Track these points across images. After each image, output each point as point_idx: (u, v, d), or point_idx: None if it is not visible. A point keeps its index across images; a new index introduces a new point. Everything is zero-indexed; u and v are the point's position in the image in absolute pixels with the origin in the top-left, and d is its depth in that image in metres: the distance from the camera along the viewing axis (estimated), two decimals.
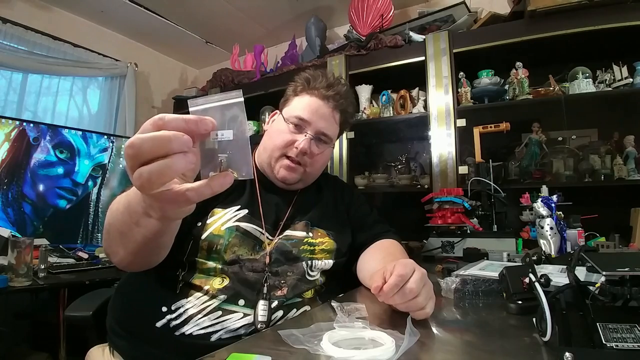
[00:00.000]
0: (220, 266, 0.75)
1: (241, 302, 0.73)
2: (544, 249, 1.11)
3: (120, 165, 2.29)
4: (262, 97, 2.39)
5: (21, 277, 1.33)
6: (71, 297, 1.36)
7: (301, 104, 0.89)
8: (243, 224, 0.80)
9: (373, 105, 2.10)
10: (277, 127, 0.91)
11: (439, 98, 1.80)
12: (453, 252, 1.27)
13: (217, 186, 0.38)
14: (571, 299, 0.51)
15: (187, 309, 0.71)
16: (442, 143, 1.77)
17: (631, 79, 1.51)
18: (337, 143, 1.33)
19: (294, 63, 2.44)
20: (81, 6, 2.41)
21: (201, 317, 0.70)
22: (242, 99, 0.39)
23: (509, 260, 1.10)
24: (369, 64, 2.03)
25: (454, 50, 1.78)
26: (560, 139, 1.75)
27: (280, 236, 0.84)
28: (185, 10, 2.50)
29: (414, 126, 2.01)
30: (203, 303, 0.72)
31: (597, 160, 1.57)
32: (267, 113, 2.43)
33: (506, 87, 1.76)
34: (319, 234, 0.88)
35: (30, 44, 2.24)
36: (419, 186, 1.94)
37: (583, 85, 1.56)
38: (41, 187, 1.96)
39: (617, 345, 0.41)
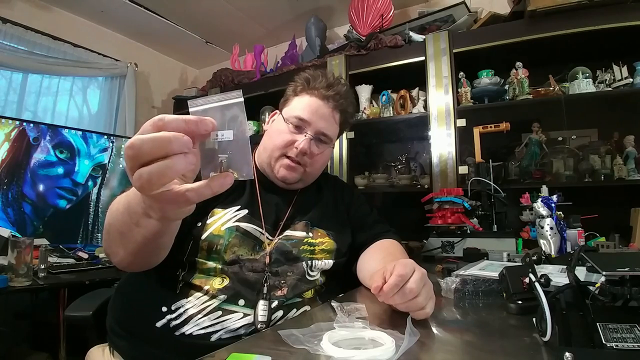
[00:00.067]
0: (220, 266, 0.75)
1: (241, 302, 0.73)
2: (544, 249, 1.11)
3: (120, 165, 2.29)
4: (262, 97, 2.39)
5: (21, 277, 1.33)
6: (71, 297, 1.36)
7: (301, 104, 0.89)
8: (243, 224, 0.80)
9: (373, 105, 2.10)
10: (277, 127, 0.91)
11: (439, 98, 1.80)
12: (453, 252, 1.27)
13: (217, 187, 0.38)
14: (571, 299, 0.51)
15: (187, 309, 0.71)
16: (442, 143, 1.77)
17: (631, 79, 1.51)
18: (337, 143, 1.33)
19: (294, 63, 2.44)
20: (81, 6, 2.41)
21: (201, 317, 0.70)
22: (242, 99, 0.39)
23: (509, 260, 1.10)
24: (369, 64, 2.03)
25: (454, 50, 1.78)
26: (560, 139, 1.75)
27: (280, 236, 0.84)
28: (185, 10, 2.50)
29: (414, 126, 2.01)
30: (203, 303, 0.72)
31: (597, 160, 1.57)
32: (267, 113, 2.43)
33: (506, 87, 1.76)
34: (319, 234, 0.88)
35: (30, 44, 2.24)
36: (419, 186, 1.94)
37: (583, 85, 1.56)
38: (41, 187, 1.96)
39: (617, 345, 0.41)
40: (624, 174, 1.50)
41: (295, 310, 0.78)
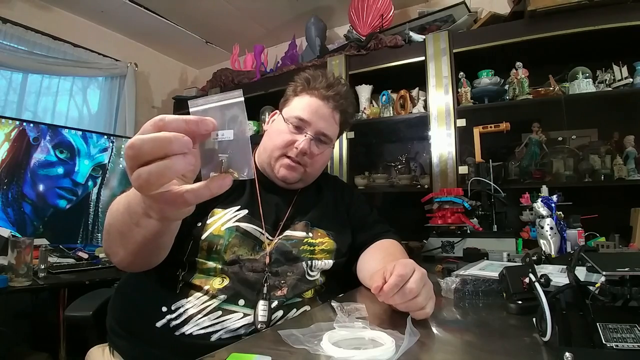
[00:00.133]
0: (220, 266, 0.75)
1: (241, 302, 0.73)
2: (544, 249, 1.11)
3: (120, 165, 2.29)
4: (262, 97, 2.39)
5: (21, 277, 1.33)
6: (71, 297, 1.36)
7: (301, 104, 0.89)
8: (243, 224, 0.80)
9: (373, 105, 2.10)
10: (277, 128, 0.91)
11: (439, 98, 1.80)
12: (453, 252, 1.27)
13: (216, 188, 0.38)
14: (571, 299, 0.51)
15: (187, 309, 0.71)
16: (442, 143, 1.77)
17: (631, 79, 1.51)
18: (337, 143, 1.33)
19: (294, 63, 2.44)
20: (81, 6, 2.41)
21: (201, 317, 0.70)
22: (242, 99, 0.39)
23: (509, 260, 1.10)
24: (369, 64, 2.03)
25: (454, 50, 1.78)
26: (560, 139, 1.75)
27: (280, 236, 0.84)
28: (185, 10, 2.50)
29: (414, 126, 2.01)
30: (203, 303, 0.72)
31: (597, 160, 1.57)
32: (267, 113, 2.43)
33: (506, 87, 1.76)
34: (319, 234, 0.88)
35: (30, 44, 2.24)
36: (419, 186, 1.94)
37: (583, 85, 1.56)
38: (41, 187, 1.96)
39: (617, 345, 0.41)
40: (624, 174, 1.50)
41: (295, 310, 0.78)
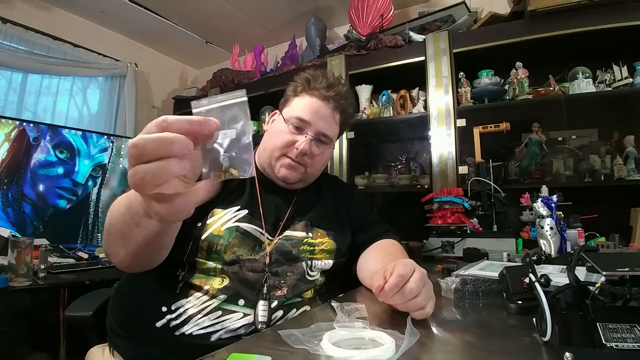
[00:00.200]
0: (220, 266, 0.75)
1: (241, 302, 0.73)
2: (544, 249, 1.11)
3: (120, 165, 2.29)
4: (262, 97, 2.39)
5: (21, 277, 1.33)
6: (71, 297, 1.36)
7: (301, 105, 0.89)
8: (243, 224, 0.80)
9: (373, 105, 2.10)
10: (277, 128, 0.91)
11: (439, 98, 1.80)
12: (453, 252, 1.27)
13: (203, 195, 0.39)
14: (571, 299, 0.51)
15: (187, 309, 0.71)
16: (442, 143, 1.77)
17: (631, 79, 1.51)
18: (337, 143, 1.32)
19: (294, 63, 2.44)
20: (81, 6, 2.41)
21: (201, 317, 0.70)
22: (245, 99, 0.39)
23: (509, 260, 1.10)
24: (369, 64, 2.03)
25: (454, 50, 1.78)
26: (560, 139, 1.75)
27: (280, 236, 0.84)
28: (185, 10, 2.50)
29: (414, 126, 2.01)
30: (203, 303, 0.72)
31: (597, 160, 1.57)
32: (267, 113, 2.43)
33: (506, 87, 1.76)
34: (319, 234, 0.88)
35: (30, 44, 2.24)
36: (419, 186, 1.94)
37: (583, 85, 1.56)
38: (41, 187, 1.96)
39: (617, 345, 0.41)
40: (624, 174, 1.50)
41: (295, 310, 0.78)
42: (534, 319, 0.51)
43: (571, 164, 1.64)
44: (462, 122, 1.74)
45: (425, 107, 1.89)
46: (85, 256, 1.81)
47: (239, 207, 0.82)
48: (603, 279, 0.50)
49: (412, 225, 1.47)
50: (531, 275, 0.58)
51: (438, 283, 0.75)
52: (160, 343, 0.70)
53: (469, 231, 1.31)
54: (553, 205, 1.15)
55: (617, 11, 1.46)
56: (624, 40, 1.54)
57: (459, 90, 1.79)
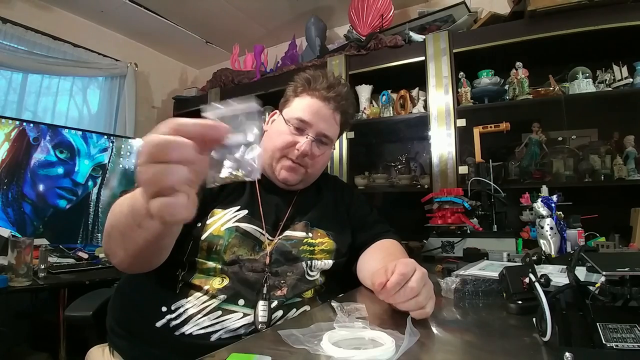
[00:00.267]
0: (220, 266, 0.75)
1: (241, 302, 0.73)
2: (544, 249, 1.11)
3: (120, 165, 2.29)
4: (262, 97, 2.38)
5: (21, 277, 1.33)
6: (71, 297, 1.36)
7: (302, 105, 0.89)
8: (243, 225, 0.80)
9: (373, 105, 2.10)
10: (277, 129, 0.91)
11: (439, 98, 1.80)
12: (453, 252, 1.27)
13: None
14: (571, 299, 0.51)
15: (187, 309, 0.71)
16: (442, 143, 1.77)
17: (631, 79, 1.51)
18: (337, 143, 1.32)
19: (294, 63, 2.44)
20: (81, 6, 2.41)
21: (201, 317, 0.70)
22: (257, 106, 0.41)
23: (509, 260, 1.10)
24: (369, 64, 2.03)
25: (454, 50, 1.78)
26: (560, 139, 1.75)
27: (280, 236, 0.84)
28: (185, 10, 2.50)
29: (414, 126, 2.01)
30: (203, 303, 0.72)
31: (597, 160, 1.57)
32: (267, 113, 2.42)
33: (506, 87, 1.76)
34: (319, 234, 0.88)
35: (30, 44, 2.24)
36: (419, 186, 1.94)
37: (583, 85, 1.56)
38: (41, 187, 1.96)
39: (617, 345, 0.41)
40: (624, 174, 1.50)
41: (295, 310, 0.78)
42: (534, 319, 0.51)
43: (571, 164, 1.64)
44: (462, 122, 1.74)
45: (425, 107, 1.89)
46: (85, 256, 1.81)
47: (238, 207, 0.82)
48: (603, 279, 0.50)
49: (412, 225, 1.47)
50: (531, 275, 0.58)
51: (438, 283, 0.75)
52: (160, 343, 0.70)
53: (469, 231, 1.31)
54: (553, 205, 1.15)
55: (617, 11, 1.46)
56: (624, 40, 1.54)
57: (459, 90, 1.79)
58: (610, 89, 1.55)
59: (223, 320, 0.71)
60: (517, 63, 1.68)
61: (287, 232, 0.85)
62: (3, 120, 1.87)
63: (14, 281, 1.32)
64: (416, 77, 1.90)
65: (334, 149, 0.98)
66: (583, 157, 1.62)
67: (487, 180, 1.44)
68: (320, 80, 0.90)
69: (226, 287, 0.74)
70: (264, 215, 0.84)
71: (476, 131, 1.55)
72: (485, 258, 1.12)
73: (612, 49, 1.60)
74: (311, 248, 0.85)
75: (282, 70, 2.40)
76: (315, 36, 2.40)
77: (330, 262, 0.87)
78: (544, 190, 1.24)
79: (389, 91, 2.04)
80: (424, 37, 1.88)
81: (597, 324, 0.44)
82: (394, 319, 0.60)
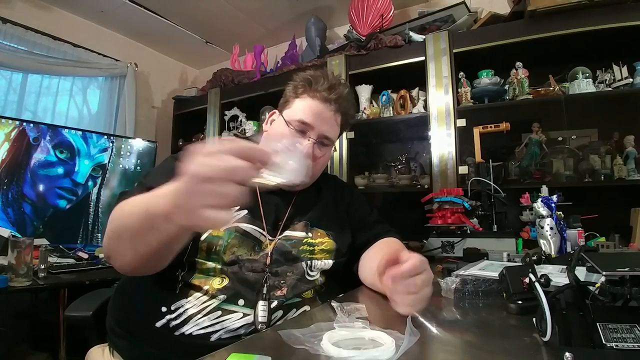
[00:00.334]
0: (219, 266, 0.75)
1: (241, 302, 0.73)
2: (544, 249, 1.11)
3: (120, 165, 2.29)
4: (262, 97, 2.39)
5: (21, 277, 1.33)
6: (71, 297, 1.36)
7: (302, 107, 0.88)
8: (243, 225, 0.80)
9: (373, 105, 2.10)
10: (278, 130, 0.90)
11: (439, 98, 1.80)
12: (453, 252, 1.27)
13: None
14: (571, 299, 0.51)
15: (187, 309, 0.71)
16: (442, 143, 1.77)
17: (631, 79, 1.51)
18: (337, 143, 1.33)
19: (294, 63, 2.44)
20: (81, 6, 2.41)
21: (201, 317, 0.70)
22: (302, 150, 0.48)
23: (509, 260, 1.10)
24: (369, 64, 2.03)
25: (454, 50, 1.78)
26: (560, 139, 1.75)
27: (280, 236, 0.84)
28: (185, 10, 2.50)
29: (414, 126, 2.01)
30: (203, 303, 0.72)
31: (597, 160, 1.57)
32: (266, 113, 2.42)
33: (506, 87, 1.76)
34: (319, 234, 0.88)
35: (30, 44, 2.24)
36: (419, 186, 1.94)
37: (583, 85, 1.56)
38: (41, 187, 1.96)
39: (617, 345, 0.41)
40: (624, 174, 1.50)
41: (294, 310, 0.78)
42: (534, 319, 0.51)
43: (571, 164, 1.64)
44: (462, 122, 1.74)
45: (425, 107, 1.89)
46: (85, 256, 1.81)
47: (238, 207, 0.82)
48: (603, 279, 0.50)
49: (412, 225, 1.47)
50: (531, 275, 0.58)
51: (438, 283, 0.75)
52: (160, 343, 0.70)
53: (469, 231, 1.31)
54: (553, 205, 1.15)
55: (617, 11, 1.46)
56: (624, 40, 1.54)
57: (459, 90, 1.79)
58: (610, 89, 1.55)
59: (223, 321, 0.71)
60: (517, 63, 1.68)
61: (287, 232, 0.85)
62: (3, 120, 1.87)
63: (14, 281, 1.32)
64: (416, 77, 1.90)
65: (335, 150, 0.98)
66: (583, 157, 1.62)
67: (487, 180, 1.45)
68: (322, 82, 0.89)
69: (226, 287, 0.74)
70: (264, 215, 0.84)
71: (476, 131, 1.55)
72: (485, 258, 1.12)
73: (612, 49, 1.60)
74: (311, 248, 0.85)
75: (282, 70, 2.40)
76: (315, 36, 2.40)
77: (330, 262, 0.87)
78: (544, 190, 1.24)
79: (389, 91, 2.04)
80: (424, 37, 1.88)
81: (597, 324, 0.44)
82: (394, 319, 0.60)
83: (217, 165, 0.41)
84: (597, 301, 0.49)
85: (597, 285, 0.50)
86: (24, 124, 1.93)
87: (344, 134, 1.96)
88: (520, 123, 1.67)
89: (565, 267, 0.79)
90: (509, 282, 0.65)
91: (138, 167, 2.37)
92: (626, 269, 0.48)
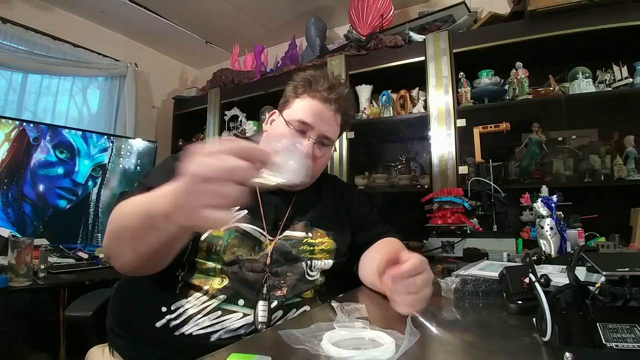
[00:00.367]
0: (219, 266, 0.75)
1: (241, 302, 0.73)
2: (544, 249, 1.11)
3: (120, 165, 2.29)
4: (262, 97, 2.39)
5: (21, 277, 1.33)
6: (71, 297, 1.36)
7: (303, 107, 0.88)
8: (243, 225, 0.80)
9: (373, 105, 2.10)
10: (278, 131, 0.90)
11: (439, 98, 1.80)
12: (453, 252, 1.27)
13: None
14: (571, 299, 0.51)
15: (187, 309, 0.71)
16: (442, 143, 1.77)
17: (631, 79, 1.51)
18: (337, 143, 1.33)
19: (294, 63, 2.44)
20: (81, 6, 2.41)
21: (201, 317, 0.70)
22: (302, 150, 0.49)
23: (509, 260, 1.10)
24: (369, 64, 2.03)
25: (454, 50, 1.78)
26: (560, 139, 1.75)
27: (280, 236, 0.84)
28: (185, 10, 2.50)
29: (414, 126, 2.01)
30: (203, 303, 0.72)
31: (597, 160, 1.57)
32: (266, 113, 2.43)
33: (506, 87, 1.76)
34: (319, 234, 0.88)
35: (30, 44, 2.24)
36: (419, 186, 1.94)
37: (583, 85, 1.56)
38: (41, 187, 1.96)
39: (617, 345, 0.41)
40: (624, 174, 1.50)
41: (294, 310, 0.78)
42: (534, 319, 0.51)
43: (571, 164, 1.64)
44: (462, 122, 1.74)
45: (425, 107, 1.88)
46: (85, 256, 1.81)
47: (238, 207, 0.82)
48: (603, 279, 0.50)
49: (412, 225, 1.47)
50: (531, 275, 0.58)
51: (438, 283, 0.75)
52: (160, 343, 0.70)
53: (469, 231, 1.31)
54: (553, 205, 1.15)
55: (617, 11, 1.46)
56: (624, 40, 1.54)
57: (459, 90, 1.79)
58: (610, 89, 1.55)
59: (223, 320, 0.71)
60: (517, 63, 1.68)
61: (287, 232, 0.85)
62: (3, 120, 1.87)
63: (14, 281, 1.32)
64: (416, 77, 1.90)
65: (335, 150, 0.98)
66: (583, 157, 1.62)
67: (487, 180, 1.45)
68: (322, 82, 0.89)
69: (226, 287, 0.74)
70: (264, 215, 0.84)
71: (476, 131, 1.55)
72: (485, 258, 1.12)
73: (612, 49, 1.60)
74: (311, 248, 0.85)
75: (282, 70, 2.40)
76: (315, 36, 2.40)
77: (330, 262, 0.87)
78: (544, 190, 1.24)
79: (389, 91, 2.04)
80: (424, 37, 1.88)
81: (597, 324, 0.44)
82: (394, 319, 0.60)
83: (217, 165, 0.41)
84: (597, 301, 0.49)
85: (597, 285, 0.50)
86: (24, 124, 1.93)
87: (344, 134, 1.96)
88: (520, 123, 1.67)
89: (565, 267, 0.79)
90: (509, 282, 0.65)
91: (138, 167, 2.37)
92: (626, 269, 0.48)
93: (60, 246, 1.92)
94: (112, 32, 2.74)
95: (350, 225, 0.97)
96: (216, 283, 0.74)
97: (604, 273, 0.49)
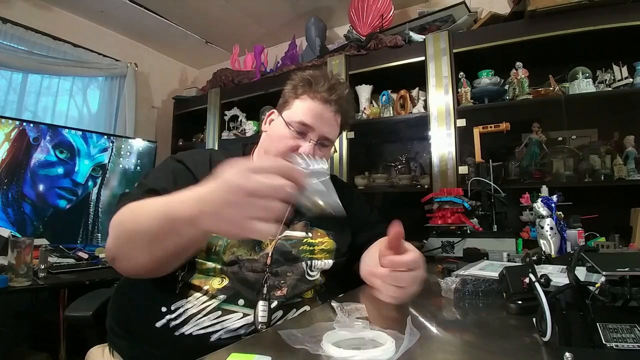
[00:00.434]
0: (219, 266, 0.75)
1: (241, 302, 0.73)
2: (544, 249, 1.11)
3: (120, 165, 2.29)
4: (262, 97, 2.39)
5: (21, 277, 1.33)
6: (71, 297, 1.36)
7: (303, 108, 0.87)
8: None
9: (373, 105, 2.10)
10: (279, 132, 0.89)
11: (439, 98, 1.80)
12: (453, 252, 1.27)
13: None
14: (571, 299, 0.51)
15: (187, 309, 0.71)
16: (442, 143, 1.77)
17: (631, 79, 1.51)
18: (337, 143, 1.32)
19: (294, 63, 2.45)
20: (81, 6, 2.41)
21: (201, 317, 0.70)
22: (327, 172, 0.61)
23: (509, 260, 1.10)
24: (369, 64, 2.03)
25: (454, 50, 1.78)
26: (560, 139, 1.75)
27: (280, 236, 0.84)
28: (185, 11, 2.50)
29: (414, 126, 2.01)
30: (203, 303, 0.72)
31: (597, 160, 1.57)
32: (266, 113, 2.43)
33: (506, 87, 1.76)
34: (319, 234, 0.88)
35: (30, 44, 2.24)
36: (419, 186, 1.94)
37: (583, 85, 1.56)
38: (41, 187, 1.96)
39: (617, 345, 0.41)
40: (624, 174, 1.50)
41: (294, 310, 0.78)
42: (534, 319, 0.51)
43: (571, 164, 1.64)
44: (462, 122, 1.74)
45: (425, 107, 1.89)
46: (85, 256, 1.81)
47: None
48: (603, 279, 0.50)
49: (412, 225, 1.45)
50: (531, 275, 0.58)
51: (438, 283, 0.75)
52: (160, 343, 0.70)
53: (469, 231, 1.30)
54: (553, 205, 1.15)
55: (617, 11, 1.46)
56: (624, 40, 1.54)
57: (459, 90, 1.79)
58: (610, 89, 1.55)
59: (223, 321, 0.71)
60: (517, 63, 1.68)
61: (287, 232, 0.85)
62: (3, 120, 1.87)
63: (14, 281, 1.32)
64: (416, 77, 1.90)
65: (335, 150, 0.98)
66: (583, 157, 1.62)
67: (487, 180, 1.44)
68: (322, 82, 0.88)
69: (226, 287, 0.74)
70: None
71: (476, 131, 1.55)
72: (485, 258, 1.11)
73: (612, 49, 1.60)
74: (311, 248, 0.85)
75: (282, 70, 2.40)
76: (315, 36, 2.40)
77: (330, 261, 0.87)
78: (544, 190, 1.24)
79: (389, 91, 2.04)
80: (424, 37, 1.88)
81: (597, 324, 0.44)
82: (394, 319, 0.60)
83: (264, 182, 0.45)
84: (597, 301, 0.49)
85: (597, 285, 0.50)
86: (24, 124, 1.93)
87: (344, 134, 1.96)
88: (520, 123, 1.67)
89: (565, 267, 0.78)
90: (509, 282, 0.65)
91: (138, 167, 2.37)
92: (626, 269, 0.48)
93: (60, 246, 1.92)
94: (112, 32, 2.74)
95: (350, 225, 0.97)
96: (216, 283, 0.74)
97: (604, 273, 0.49)
